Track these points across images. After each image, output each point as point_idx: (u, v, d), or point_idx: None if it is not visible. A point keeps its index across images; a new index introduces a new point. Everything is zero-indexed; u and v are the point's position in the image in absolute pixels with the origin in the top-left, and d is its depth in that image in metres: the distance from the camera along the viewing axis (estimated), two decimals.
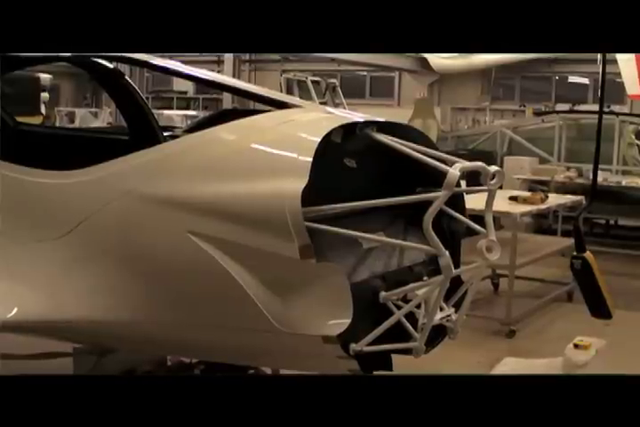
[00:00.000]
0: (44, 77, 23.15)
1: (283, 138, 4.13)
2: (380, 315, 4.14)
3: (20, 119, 7.19)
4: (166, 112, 25.02)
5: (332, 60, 19.88)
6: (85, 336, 4.82)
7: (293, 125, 4.27)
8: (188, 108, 30.36)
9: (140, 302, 4.18)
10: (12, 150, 4.88)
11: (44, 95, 23.24)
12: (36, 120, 18.64)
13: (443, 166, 3.96)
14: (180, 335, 4.31)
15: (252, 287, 3.86)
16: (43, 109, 22.54)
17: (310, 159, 3.77)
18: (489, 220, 4.21)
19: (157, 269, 4.10)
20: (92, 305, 4.25)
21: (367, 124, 4.33)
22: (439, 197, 3.86)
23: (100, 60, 6.11)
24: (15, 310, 4.30)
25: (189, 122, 23.10)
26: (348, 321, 3.81)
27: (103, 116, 26.77)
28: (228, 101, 23.34)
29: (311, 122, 4.39)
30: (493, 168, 4.05)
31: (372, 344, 4.02)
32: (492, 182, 4.06)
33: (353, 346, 3.97)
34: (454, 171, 3.82)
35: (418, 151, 4.18)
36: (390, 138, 4.26)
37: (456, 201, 4.37)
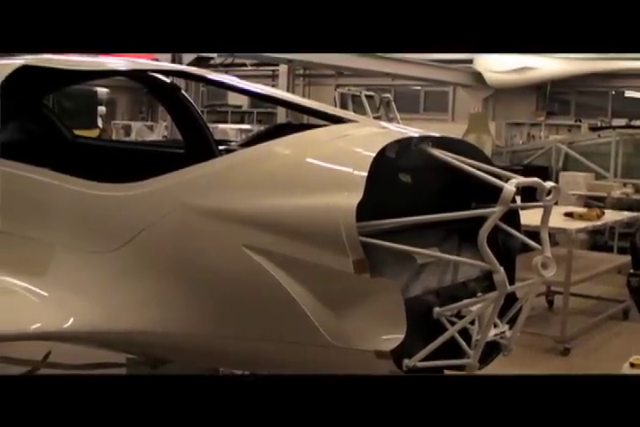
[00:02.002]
0: (102, 91, 23.47)
1: (338, 152, 4.13)
2: (434, 331, 4.12)
3: (77, 132, 7.30)
4: (221, 126, 25.15)
5: (387, 74, 19.82)
6: (139, 347, 4.85)
7: (349, 140, 4.27)
8: (242, 122, 30.52)
9: (193, 315, 4.20)
10: (70, 163, 4.95)
11: (101, 109, 23.55)
12: (93, 133, 18.87)
13: (498, 182, 3.94)
14: (231, 348, 4.32)
15: (305, 301, 3.86)
16: (99, 123, 22.84)
17: (365, 174, 3.77)
18: (544, 236, 4.17)
19: (211, 282, 4.11)
20: (145, 317, 4.28)
21: (422, 139, 4.32)
22: (494, 212, 3.84)
23: (157, 75, 6.19)
24: (71, 320, 4.35)
25: (244, 136, 23.28)
26: (401, 337, 3.80)
27: (159, 130, 26.99)
28: (282, 116, 23.41)
29: (366, 137, 4.39)
30: (549, 184, 4.03)
31: (424, 360, 4.00)
32: (548, 198, 4.03)
33: (406, 362, 3.95)
34: (510, 186, 3.80)
35: (473, 166, 4.16)
36: (445, 153, 4.25)
37: (511, 217, 4.34)
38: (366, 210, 3.73)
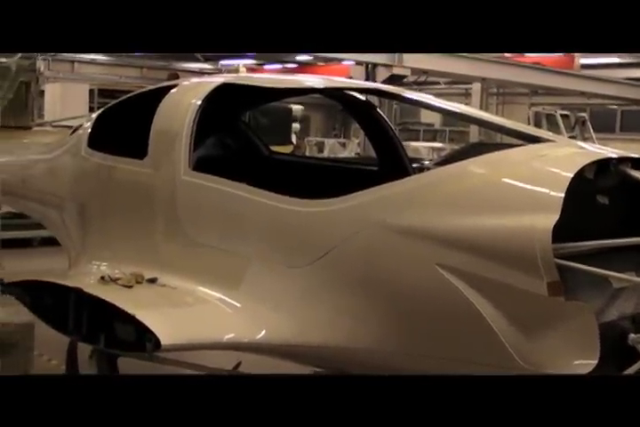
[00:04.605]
0: (296, 108, 24.01)
1: (534, 173, 4.07)
2: (628, 358, 3.99)
3: (272, 148, 7.48)
4: (413, 144, 25.28)
5: (582, 93, 19.47)
6: (325, 361, 4.90)
7: (545, 160, 4.20)
8: (434, 140, 30.57)
9: (383, 332, 4.21)
10: (267, 178, 5.06)
11: (295, 126, 24.08)
12: (287, 149, 19.28)
13: None
14: (416, 366, 4.31)
15: (496, 322, 3.81)
16: (293, 139, 23.34)
17: (562, 195, 3.70)
18: None
19: (402, 300, 4.11)
20: (336, 332, 4.32)
21: (621, 160, 4.20)
22: None
23: (352, 93, 6.27)
24: (263, 332, 4.44)
25: (435, 154, 23.27)
26: (594, 362, 3.70)
27: (351, 147, 27.37)
28: (474, 134, 23.29)
29: (563, 157, 4.31)
30: None
31: None
32: None
33: None
34: None
35: None
36: None
37: None
38: (562, 231, 3.66)
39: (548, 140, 4.90)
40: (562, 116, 21.35)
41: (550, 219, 3.61)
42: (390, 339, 4.20)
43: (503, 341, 3.79)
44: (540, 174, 4.04)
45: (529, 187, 3.94)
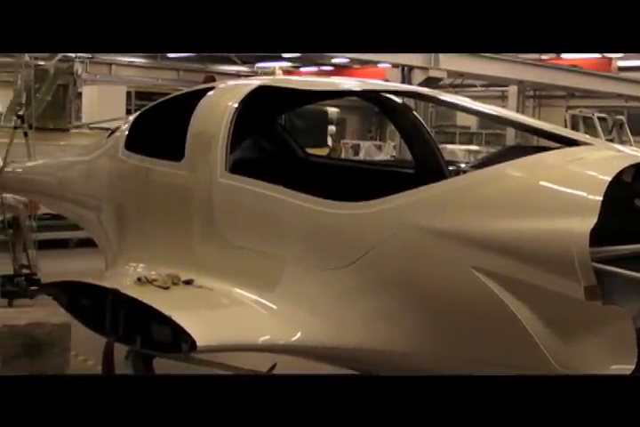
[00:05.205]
0: (332, 111, 24.06)
1: (572, 176, 4.05)
2: None
3: (308, 150, 7.48)
4: (449, 146, 25.23)
5: (620, 95, 19.33)
6: (360, 363, 4.89)
7: (583, 164, 4.18)
8: (470, 142, 30.48)
9: (418, 335, 4.20)
10: (303, 180, 5.06)
11: (331, 128, 24.11)
12: (323, 152, 19.31)
13: None
14: (450, 369, 4.29)
15: (532, 326, 3.79)
16: (329, 141, 23.37)
17: (600, 199, 3.67)
18: None
19: (437, 303, 4.10)
20: (372, 335, 4.31)
21: None
22: None
23: (388, 95, 6.26)
24: (299, 334, 4.45)
25: (472, 157, 23.19)
26: (631, 367, 3.67)
27: (387, 150, 27.36)
28: (511, 137, 23.21)
29: (601, 160, 4.28)
30: None
31: None
32: None
33: None
34: None
35: None
36: None
37: None
38: (599, 235, 3.63)
39: (585, 143, 4.87)
40: (599, 118, 21.22)
41: (588, 222, 3.58)
42: (425, 342, 4.19)
43: (539, 344, 3.77)
44: (577, 177, 4.01)
45: (566, 190, 3.92)
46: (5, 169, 8.96)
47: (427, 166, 6.08)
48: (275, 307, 4.63)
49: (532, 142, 19.74)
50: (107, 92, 24.14)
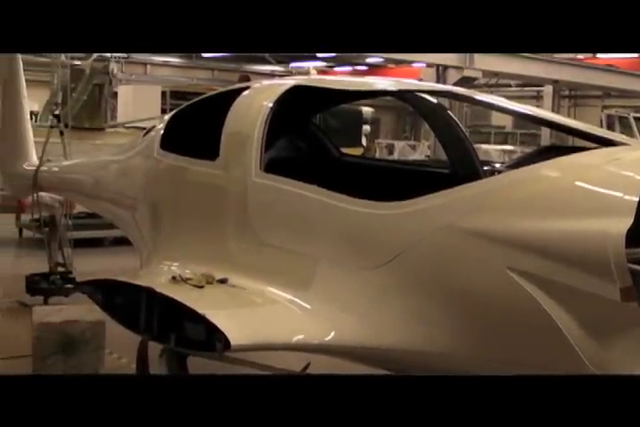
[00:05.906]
0: (367, 111, 24.04)
1: (608, 176, 4.01)
2: None
3: (342, 150, 7.48)
4: (484, 146, 25.14)
5: None
6: (395, 364, 4.88)
7: (619, 164, 4.14)
8: (505, 142, 30.36)
9: (452, 334, 4.19)
10: (337, 180, 5.06)
11: (366, 128, 24.09)
12: (357, 151, 19.30)
13: None
14: (484, 370, 4.27)
15: (567, 326, 3.77)
16: (363, 141, 23.36)
17: (636, 199, 3.64)
18: None
19: (472, 303, 4.09)
20: (408, 335, 4.31)
21: None
22: None
23: (423, 95, 6.25)
24: (333, 333, 4.45)
25: (507, 157, 23.09)
26: None
27: (421, 149, 27.32)
28: (546, 137, 23.08)
29: (638, 161, 4.24)
30: None
31: None
32: None
33: None
34: None
35: None
36: None
37: None
38: (635, 235, 3.61)
39: (621, 144, 4.83)
40: (635, 118, 21.06)
41: (624, 223, 3.55)
42: (460, 342, 4.17)
43: (574, 345, 3.75)
44: (613, 178, 3.98)
45: (602, 190, 3.88)
46: (41, 168, 9.05)
47: (461, 166, 6.06)
48: (308, 306, 4.63)
49: (567, 142, 19.63)
50: (142, 91, 24.32)
